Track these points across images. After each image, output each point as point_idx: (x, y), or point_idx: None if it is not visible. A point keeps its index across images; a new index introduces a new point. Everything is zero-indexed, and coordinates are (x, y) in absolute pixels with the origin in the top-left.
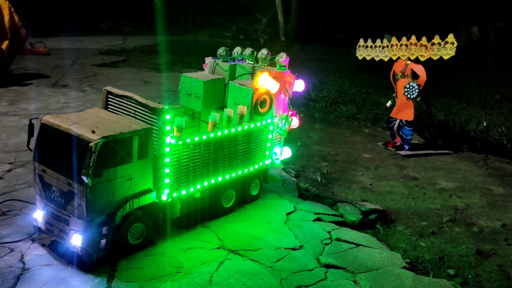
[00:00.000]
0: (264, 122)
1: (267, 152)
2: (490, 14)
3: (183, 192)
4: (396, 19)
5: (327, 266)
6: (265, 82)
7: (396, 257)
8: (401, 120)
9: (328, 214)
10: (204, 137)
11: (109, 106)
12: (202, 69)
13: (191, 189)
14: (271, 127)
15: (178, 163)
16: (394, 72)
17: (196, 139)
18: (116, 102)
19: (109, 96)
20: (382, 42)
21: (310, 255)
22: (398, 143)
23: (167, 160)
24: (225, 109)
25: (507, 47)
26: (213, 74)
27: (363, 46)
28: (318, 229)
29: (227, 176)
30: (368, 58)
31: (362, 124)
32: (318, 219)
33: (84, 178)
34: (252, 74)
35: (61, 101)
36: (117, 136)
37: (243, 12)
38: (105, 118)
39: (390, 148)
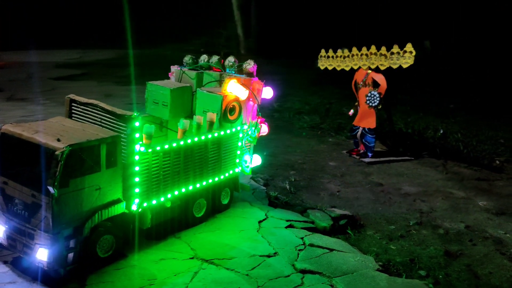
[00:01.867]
0: (233, 130)
1: (237, 160)
2: (441, 29)
3: (154, 201)
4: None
5: (303, 271)
6: (234, 89)
7: (369, 260)
8: (363, 128)
9: (300, 221)
10: (174, 144)
11: (73, 115)
12: (168, 79)
13: (162, 199)
14: (240, 135)
15: (148, 172)
16: (355, 81)
17: (166, 146)
18: (81, 110)
19: (72, 104)
20: (343, 52)
21: (285, 262)
22: (361, 151)
23: (137, 168)
24: (194, 116)
25: (458, 59)
26: (180, 82)
27: (324, 56)
28: (291, 236)
29: (198, 185)
30: (330, 68)
31: (326, 133)
32: (290, 226)
33: (50, 188)
34: (219, 81)
35: (18, 115)
36: (84, 144)
37: (206, 27)
38: (69, 127)
39: (354, 155)
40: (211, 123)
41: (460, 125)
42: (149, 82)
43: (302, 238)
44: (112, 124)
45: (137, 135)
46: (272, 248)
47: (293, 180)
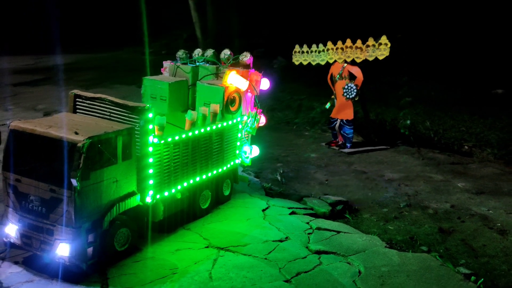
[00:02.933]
0: (234, 121)
1: (237, 151)
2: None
3: (166, 193)
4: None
5: (318, 252)
6: (235, 80)
7: (375, 240)
8: (341, 120)
9: (300, 208)
10: (184, 135)
11: (77, 110)
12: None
13: (173, 190)
14: (240, 126)
15: (160, 164)
16: (331, 75)
17: (177, 138)
18: (87, 105)
19: (77, 99)
20: (317, 47)
21: (299, 245)
22: (340, 142)
23: (151, 160)
24: (199, 107)
25: (414, 56)
26: (175, 76)
27: (299, 52)
28: (297, 221)
29: (204, 176)
30: (305, 63)
31: (301, 128)
32: (293, 213)
33: (73, 181)
34: (216, 74)
35: None
36: (102, 136)
37: (165, 29)
38: (81, 121)
39: (334, 147)
40: (214, 115)
41: (422, 116)
42: (146, 77)
43: (307, 223)
44: (123, 117)
45: (150, 126)
46: (282, 233)
47: (281, 171)
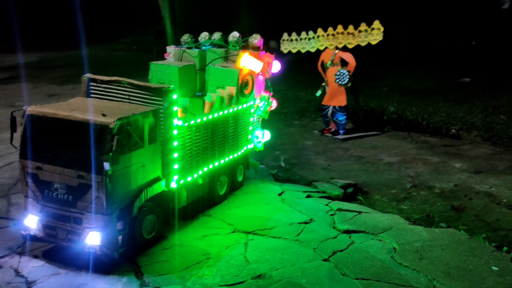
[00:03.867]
0: (247, 104)
1: (249, 136)
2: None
3: (189, 178)
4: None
5: (347, 232)
6: (248, 62)
7: (397, 218)
8: (334, 107)
9: (314, 192)
10: (205, 118)
11: (92, 95)
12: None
13: (195, 175)
14: (252, 110)
15: (184, 147)
16: (322, 62)
17: (199, 120)
18: (102, 89)
19: (91, 84)
20: (307, 34)
21: (325, 225)
22: (333, 129)
23: (175, 143)
24: (211, 92)
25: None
26: (181, 61)
27: (287, 40)
28: (317, 204)
29: (222, 161)
30: (294, 51)
31: (290, 117)
32: (308, 196)
33: (106, 164)
34: (226, 58)
35: None
36: (131, 118)
37: (132, 25)
38: (100, 104)
39: (327, 134)
40: (231, 98)
41: (401, 105)
42: (153, 62)
43: (326, 205)
44: (144, 100)
45: (175, 108)
46: (306, 215)
47: (283, 159)
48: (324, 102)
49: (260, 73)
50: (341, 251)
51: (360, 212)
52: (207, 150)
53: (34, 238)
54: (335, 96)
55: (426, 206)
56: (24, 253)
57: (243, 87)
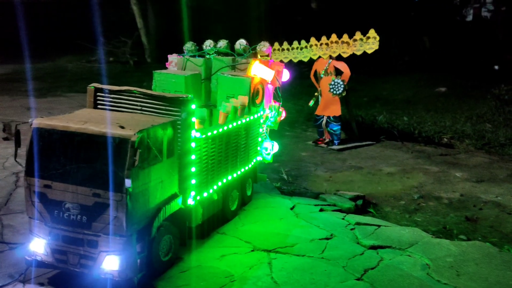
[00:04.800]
0: (257, 115)
1: (258, 148)
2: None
3: (205, 194)
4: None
5: (373, 247)
6: (260, 70)
7: (418, 231)
8: (328, 117)
9: (325, 205)
10: (221, 129)
11: (99, 106)
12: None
13: (210, 191)
14: (261, 120)
15: (201, 161)
16: (316, 71)
17: (215, 132)
18: (112, 99)
19: (98, 94)
20: (299, 44)
21: (348, 241)
22: (327, 139)
23: (193, 157)
24: (231, 99)
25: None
26: (184, 70)
27: (278, 49)
28: (333, 218)
29: (235, 175)
30: (285, 60)
31: (280, 128)
32: (321, 210)
33: (127, 181)
34: (233, 66)
35: None
36: (151, 130)
37: (108, 36)
38: (113, 116)
39: (321, 145)
40: (243, 108)
41: (383, 115)
42: (156, 71)
43: (343, 219)
44: (159, 110)
45: (193, 119)
46: (325, 231)
47: (285, 170)
48: (317, 112)
49: (270, 82)
50: (372, 268)
51: (379, 226)
52: (221, 163)
53: (41, 264)
54: (329, 106)
55: (439, 217)
56: (28, 280)
57: (254, 96)
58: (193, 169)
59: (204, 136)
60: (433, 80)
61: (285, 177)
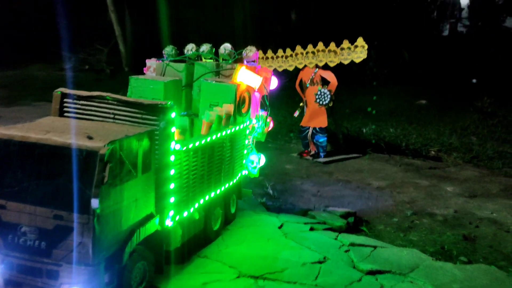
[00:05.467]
0: (244, 125)
1: (243, 161)
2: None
3: (185, 213)
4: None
5: (371, 272)
6: (246, 77)
7: (417, 253)
8: (314, 128)
9: (315, 223)
10: (204, 141)
11: (66, 114)
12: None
13: (191, 209)
14: (247, 131)
15: (181, 176)
16: (301, 80)
17: (197, 144)
18: (81, 106)
19: (65, 100)
20: (284, 52)
21: (344, 265)
22: (313, 151)
23: (172, 172)
24: (215, 108)
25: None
26: (163, 76)
27: (262, 58)
28: (324, 238)
29: (218, 191)
30: (269, 69)
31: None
32: (312, 229)
33: (94, 201)
34: (217, 72)
35: None
36: (124, 141)
37: (82, 43)
38: (81, 125)
39: (306, 157)
40: (228, 117)
41: (367, 126)
42: (133, 76)
43: (336, 239)
44: (134, 119)
45: (173, 129)
46: (317, 253)
47: (269, 184)
48: (303, 123)
49: (257, 90)
50: None
51: (375, 247)
52: (204, 178)
53: None
54: (315, 117)
55: (435, 236)
56: None
57: (240, 105)
58: (172, 186)
59: (185, 148)
60: (413, 93)
61: (271, 192)
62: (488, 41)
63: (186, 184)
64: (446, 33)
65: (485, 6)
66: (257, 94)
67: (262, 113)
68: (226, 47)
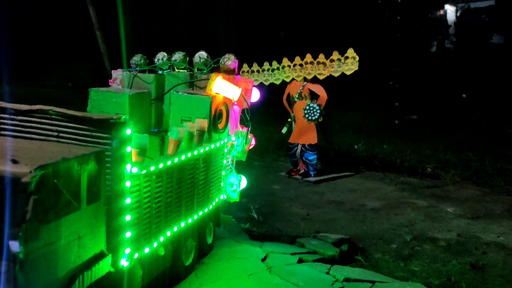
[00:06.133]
0: (221, 142)
1: (222, 184)
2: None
3: (146, 249)
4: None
5: None
6: (223, 88)
7: (420, 287)
8: (303, 145)
9: (304, 253)
10: (169, 162)
11: (2, 132)
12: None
13: (155, 244)
14: (225, 149)
15: (140, 205)
16: (289, 95)
17: (161, 165)
18: (17, 122)
19: (1, 116)
20: (270, 65)
21: None
22: (302, 170)
23: (128, 201)
24: (185, 123)
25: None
26: (130, 89)
27: (247, 71)
28: (314, 272)
29: (190, 220)
30: (255, 83)
31: (249, 157)
32: (300, 260)
33: (13, 244)
34: (191, 83)
35: None
36: (60, 165)
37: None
38: (11, 145)
39: (295, 176)
40: (201, 134)
41: (355, 142)
42: (93, 88)
43: (328, 273)
44: (82, 138)
45: (128, 149)
46: None
47: (255, 207)
48: (291, 140)
49: (236, 103)
50: None
51: (373, 282)
52: (172, 206)
53: None
54: (304, 133)
55: (440, 265)
56: None
57: (216, 119)
58: (128, 218)
59: (144, 171)
60: (403, 108)
61: (255, 216)
62: (476, 57)
63: (147, 215)
64: (433, 49)
65: (472, 24)
66: (236, 108)
67: (243, 129)
68: (201, 55)
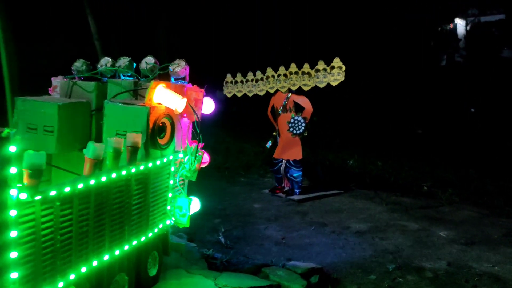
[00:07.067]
0: (164, 160)
1: (168, 207)
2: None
3: None
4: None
5: None
6: (164, 97)
7: None
8: (288, 161)
9: (264, 287)
10: (81, 185)
11: None
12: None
13: (60, 284)
14: (172, 168)
15: (36, 238)
16: (273, 107)
17: (67, 189)
18: None
19: None
20: (254, 75)
21: None
22: (286, 187)
23: (14, 234)
24: (109, 139)
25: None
26: (69, 98)
27: (231, 82)
28: None
29: (117, 252)
30: (239, 94)
31: (234, 173)
32: None
33: None
34: (135, 92)
35: None
36: None
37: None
38: None
39: (279, 194)
40: (134, 150)
41: (345, 157)
42: (20, 97)
43: None
44: None
45: (13, 170)
46: None
47: (222, 230)
48: (275, 156)
49: (185, 115)
50: None
51: None
52: (89, 237)
53: None
54: (288, 148)
55: None
56: None
57: (156, 134)
58: (13, 255)
59: (40, 197)
60: (408, 122)
61: (222, 240)
62: (486, 71)
63: (49, 249)
64: (443, 63)
65: (482, 37)
66: (186, 120)
67: (193, 144)
68: (148, 60)
